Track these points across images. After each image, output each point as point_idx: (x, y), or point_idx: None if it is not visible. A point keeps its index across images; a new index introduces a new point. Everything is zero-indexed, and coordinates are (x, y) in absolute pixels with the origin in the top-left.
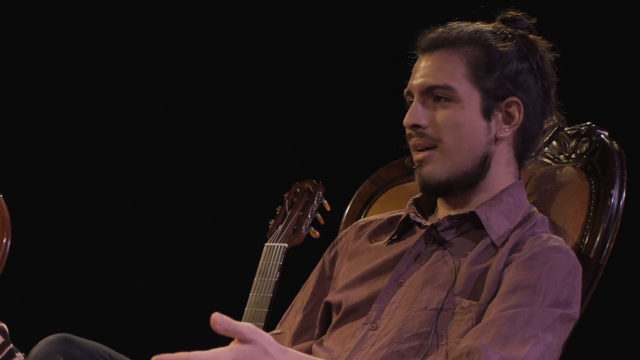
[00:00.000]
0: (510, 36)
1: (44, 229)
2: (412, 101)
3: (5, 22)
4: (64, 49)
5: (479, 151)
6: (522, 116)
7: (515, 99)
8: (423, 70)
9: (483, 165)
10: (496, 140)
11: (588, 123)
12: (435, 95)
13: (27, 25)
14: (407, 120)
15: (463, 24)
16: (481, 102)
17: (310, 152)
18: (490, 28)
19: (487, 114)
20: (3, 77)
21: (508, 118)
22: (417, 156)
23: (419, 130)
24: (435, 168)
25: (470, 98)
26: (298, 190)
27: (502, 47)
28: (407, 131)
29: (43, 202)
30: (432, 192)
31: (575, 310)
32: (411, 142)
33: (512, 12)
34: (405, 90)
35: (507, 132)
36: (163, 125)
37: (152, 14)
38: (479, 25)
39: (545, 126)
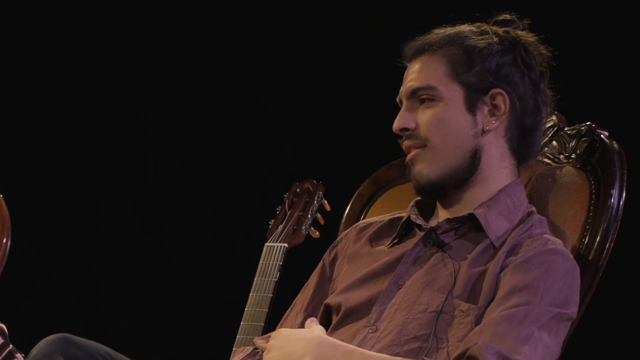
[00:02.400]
0: (490, 32)
1: (44, 229)
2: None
3: (7, 24)
4: (63, 50)
5: (467, 145)
6: (507, 107)
7: (498, 90)
8: (409, 77)
9: (473, 160)
10: (483, 132)
11: (588, 123)
12: (420, 97)
13: (28, 27)
14: (395, 125)
15: (446, 29)
16: (464, 97)
17: (310, 152)
18: (471, 27)
19: (471, 108)
20: (4, 78)
21: (494, 110)
22: (409, 156)
23: (408, 133)
24: (426, 166)
25: (453, 94)
26: (298, 190)
27: (480, 42)
28: (400, 136)
29: (43, 202)
30: (426, 192)
31: (573, 310)
32: (403, 145)
33: (505, 15)
34: (397, 98)
35: (494, 123)
36: (163, 124)
37: (152, 15)
38: (460, 27)
39: (545, 121)
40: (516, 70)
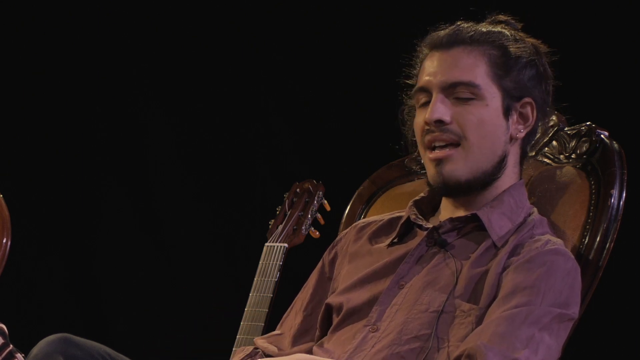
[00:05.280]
0: (521, 39)
1: (44, 229)
2: (423, 99)
3: (7, 23)
4: (64, 50)
5: (498, 150)
6: (534, 117)
7: (529, 99)
8: (442, 67)
9: (500, 165)
10: (512, 140)
11: (588, 123)
12: (458, 92)
13: (28, 26)
14: (430, 115)
15: (471, 24)
16: (502, 101)
17: (310, 152)
18: (501, 30)
19: (506, 113)
20: (4, 77)
21: (521, 119)
22: (435, 154)
23: (442, 127)
24: (457, 167)
25: (493, 96)
26: (298, 190)
27: (515, 48)
28: (425, 127)
29: (43, 202)
30: (449, 192)
31: (574, 311)
32: (430, 137)
33: (501, 16)
34: (417, 87)
35: (522, 132)
36: (163, 124)
37: (152, 15)
38: (489, 27)
39: (544, 126)
40: (540, 80)
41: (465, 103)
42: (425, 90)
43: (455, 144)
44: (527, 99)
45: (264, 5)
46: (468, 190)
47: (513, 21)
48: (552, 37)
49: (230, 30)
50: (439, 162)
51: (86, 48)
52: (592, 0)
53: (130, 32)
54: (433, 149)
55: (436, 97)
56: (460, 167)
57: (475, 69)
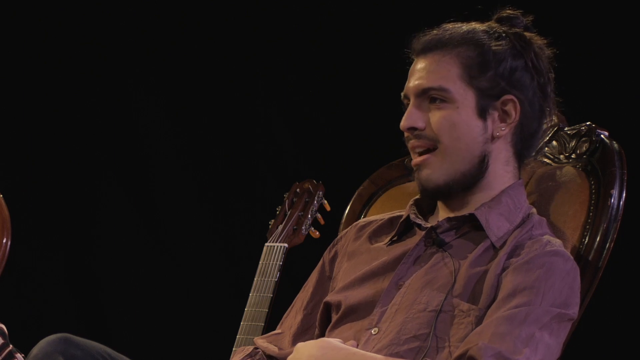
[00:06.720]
0: (503, 35)
1: (44, 229)
2: (409, 104)
3: (5, 22)
4: (62, 49)
5: (476, 150)
6: (518, 114)
7: (510, 96)
8: (418, 73)
9: (481, 165)
10: (493, 138)
11: (588, 123)
12: (431, 97)
13: (26, 25)
14: (403, 123)
15: (457, 25)
16: (476, 102)
17: (310, 152)
18: (484, 27)
19: (482, 113)
20: (2, 77)
21: (504, 116)
22: (415, 160)
23: (416, 133)
24: (433, 171)
25: (465, 98)
26: (298, 190)
27: (495, 46)
28: (405, 134)
29: (43, 202)
30: (431, 196)
31: (574, 311)
32: (409, 144)
33: (508, 11)
34: (402, 94)
35: (504, 130)
36: (163, 124)
37: (152, 13)
38: (473, 25)
39: (546, 124)
40: (527, 74)
41: (437, 107)
42: (407, 96)
43: (433, 148)
44: (507, 97)
45: (265, 5)
46: (449, 193)
47: (521, 15)
48: (552, 37)
49: (231, 30)
50: (417, 167)
51: (86, 46)
52: (592, 0)
53: (131, 30)
54: (416, 153)
55: (412, 103)
56: (437, 170)
57: (447, 73)
